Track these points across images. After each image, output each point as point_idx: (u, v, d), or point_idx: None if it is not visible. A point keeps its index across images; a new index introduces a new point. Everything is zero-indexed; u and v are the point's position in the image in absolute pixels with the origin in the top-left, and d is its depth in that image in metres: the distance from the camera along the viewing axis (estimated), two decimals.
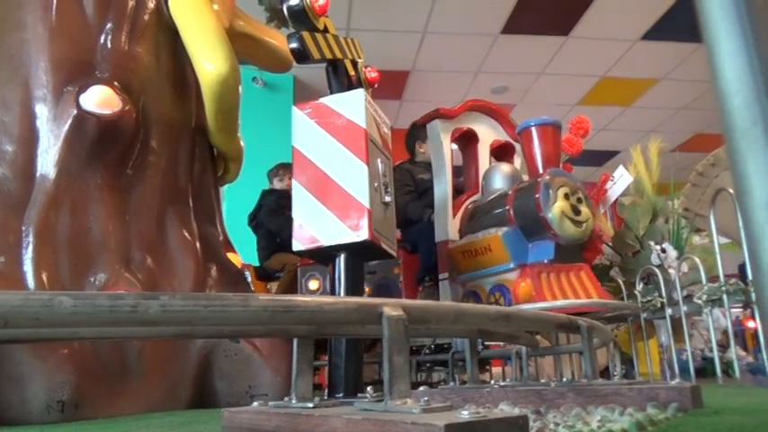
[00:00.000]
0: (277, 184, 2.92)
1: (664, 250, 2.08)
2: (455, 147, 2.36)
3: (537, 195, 1.76)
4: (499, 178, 2.06)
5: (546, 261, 1.77)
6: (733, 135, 0.21)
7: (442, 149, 2.21)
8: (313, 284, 2.15)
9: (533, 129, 1.91)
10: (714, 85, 0.22)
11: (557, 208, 1.71)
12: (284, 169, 2.86)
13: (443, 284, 2.06)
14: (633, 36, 4.07)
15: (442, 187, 2.19)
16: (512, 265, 1.82)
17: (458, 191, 2.25)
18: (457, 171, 2.35)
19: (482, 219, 1.99)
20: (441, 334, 1.43)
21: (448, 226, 2.12)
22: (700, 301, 1.70)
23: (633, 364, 2.10)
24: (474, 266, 1.95)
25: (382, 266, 2.22)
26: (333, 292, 1.38)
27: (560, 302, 1.66)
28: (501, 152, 2.35)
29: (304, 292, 2.12)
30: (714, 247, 1.69)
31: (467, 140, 2.35)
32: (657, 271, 1.92)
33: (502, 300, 1.88)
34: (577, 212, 1.73)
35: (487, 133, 2.35)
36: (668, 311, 1.86)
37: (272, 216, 2.79)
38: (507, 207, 1.87)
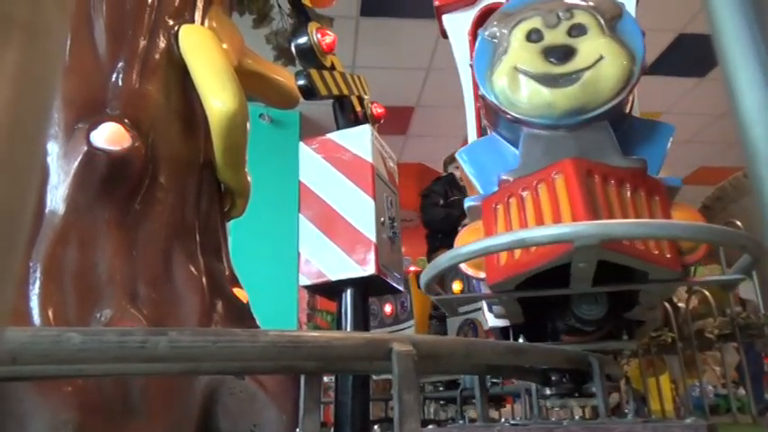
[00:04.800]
0: (451, 170, 2.42)
1: None
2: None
3: (471, 62, 1.00)
4: None
5: (504, 177, 0.92)
6: (755, 163, 0.21)
7: (457, 57, 1.29)
8: (456, 286, 1.90)
9: None
10: (734, 116, 0.22)
11: (503, 65, 0.90)
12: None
13: None
14: None
15: (467, 112, 1.28)
16: (473, 202, 0.98)
17: None
18: None
19: None
20: (450, 370, 1.41)
21: None
22: (711, 336, 1.67)
23: (645, 400, 2.05)
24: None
25: None
26: (339, 328, 1.37)
27: (475, 246, 0.78)
28: None
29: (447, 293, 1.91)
30: None
31: None
32: (667, 305, 1.90)
33: None
34: (563, 56, 0.88)
35: None
36: (679, 346, 1.83)
37: (431, 207, 2.27)
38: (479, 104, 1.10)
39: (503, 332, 1.14)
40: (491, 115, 1.01)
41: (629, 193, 0.85)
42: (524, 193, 0.89)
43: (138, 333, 0.51)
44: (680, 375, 1.89)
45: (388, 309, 2.14)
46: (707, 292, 1.74)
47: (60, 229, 1.27)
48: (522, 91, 0.89)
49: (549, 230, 0.74)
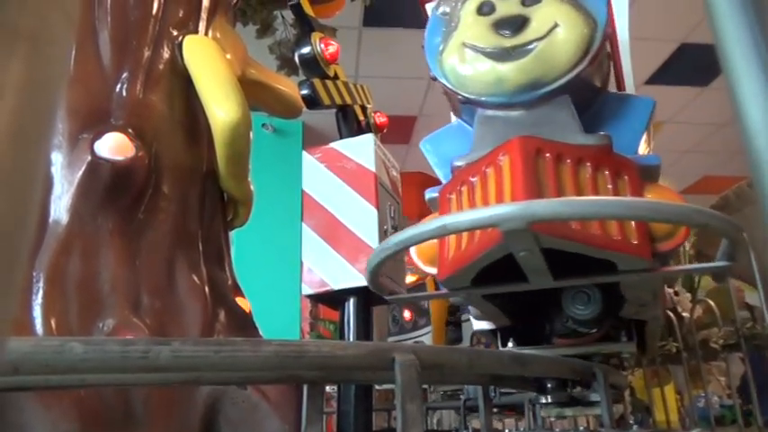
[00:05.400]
0: None
1: (677, 293, 2.05)
2: None
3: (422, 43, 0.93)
4: None
5: (456, 163, 0.86)
6: (759, 172, 0.21)
7: None
8: None
9: None
10: (738, 125, 0.22)
11: (452, 43, 0.84)
12: None
13: None
14: (637, 81, 4.14)
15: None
16: (433, 193, 0.95)
17: None
18: None
19: None
20: (454, 380, 1.40)
21: None
22: (716, 346, 1.66)
23: (649, 411, 2.04)
24: None
25: None
26: (342, 337, 1.36)
27: (400, 236, 0.73)
28: None
29: None
30: (729, 289, 1.67)
31: None
32: (672, 315, 1.89)
33: None
34: (515, 27, 0.80)
35: None
36: (684, 356, 1.82)
37: None
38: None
39: (493, 335, 1.09)
40: (451, 100, 0.96)
41: (588, 173, 0.76)
42: (474, 180, 0.81)
43: (140, 343, 0.50)
44: (685, 386, 1.88)
45: (407, 314, 2.13)
46: (711, 302, 1.73)
47: (63, 239, 1.27)
48: (470, 68, 0.82)
49: (471, 215, 0.67)
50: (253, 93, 1.76)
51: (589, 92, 0.87)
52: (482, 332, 1.11)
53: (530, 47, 0.79)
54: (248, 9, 2.17)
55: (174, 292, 1.41)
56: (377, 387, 1.94)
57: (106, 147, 1.32)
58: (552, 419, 1.96)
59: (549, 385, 1.00)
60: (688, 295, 2.05)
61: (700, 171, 5.59)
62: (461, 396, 2.06)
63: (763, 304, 1.33)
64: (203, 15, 1.63)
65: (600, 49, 0.82)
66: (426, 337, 2.04)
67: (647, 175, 0.81)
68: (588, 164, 0.76)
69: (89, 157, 1.31)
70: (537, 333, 1.03)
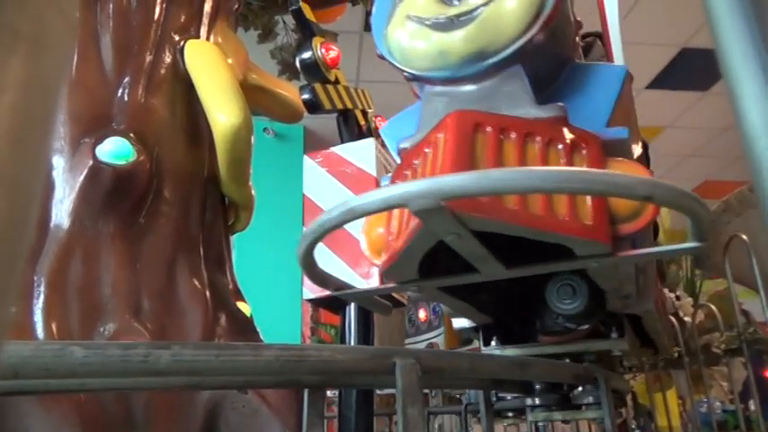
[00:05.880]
0: None
1: (678, 298, 2.04)
2: None
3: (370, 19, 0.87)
4: None
5: (401, 146, 0.80)
6: (760, 177, 0.21)
7: None
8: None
9: None
10: (739, 129, 0.22)
11: (396, 17, 0.78)
12: None
13: None
14: (638, 85, 4.15)
15: None
16: (386, 180, 0.89)
17: None
18: None
19: None
20: (455, 385, 1.40)
21: None
22: (718, 351, 1.66)
23: (651, 416, 2.03)
24: None
25: None
26: (343, 342, 1.36)
27: (314, 224, 0.71)
28: None
29: None
30: (731, 293, 1.67)
31: None
32: (674, 320, 1.89)
33: None
34: None
35: None
36: (686, 361, 1.81)
37: None
38: None
39: (476, 332, 1.05)
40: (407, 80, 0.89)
41: (538, 148, 0.68)
42: (417, 162, 0.73)
43: (140, 347, 0.50)
44: (687, 391, 1.87)
45: (422, 314, 2.11)
46: (713, 307, 1.73)
47: (65, 243, 1.27)
48: (414, 41, 0.75)
49: (378, 195, 0.60)
50: (254, 97, 1.77)
51: (548, 62, 0.80)
52: (463, 329, 1.06)
53: (475, 13, 0.72)
54: (249, 14, 2.17)
55: (175, 296, 1.41)
56: (378, 392, 1.94)
57: (108, 151, 1.32)
58: (541, 424, 1.95)
59: (537, 387, 0.97)
60: (690, 300, 2.05)
61: (701, 176, 5.59)
62: (463, 400, 2.05)
63: (764, 305, 1.33)
64: (205, 20, 1.64)
65: (553, 14, 0.73)
66: (440, 338, 2.03)
67: (612, 149, 0.72)
68: (538, 138, 0.68)
69: (90, 162, 1.32)
70: (522, 330, 0.97)
